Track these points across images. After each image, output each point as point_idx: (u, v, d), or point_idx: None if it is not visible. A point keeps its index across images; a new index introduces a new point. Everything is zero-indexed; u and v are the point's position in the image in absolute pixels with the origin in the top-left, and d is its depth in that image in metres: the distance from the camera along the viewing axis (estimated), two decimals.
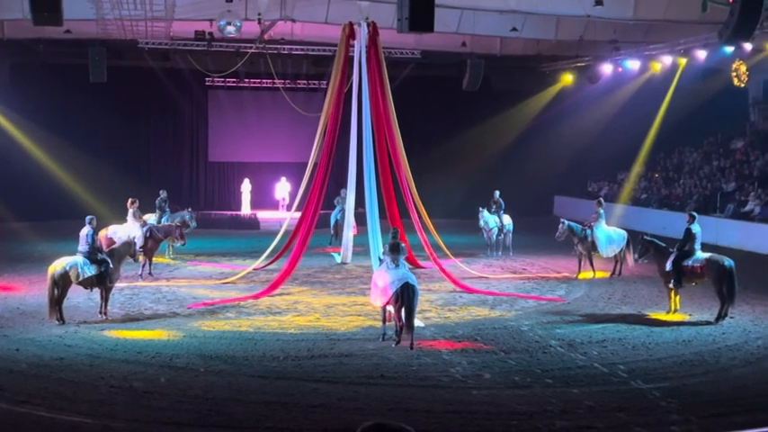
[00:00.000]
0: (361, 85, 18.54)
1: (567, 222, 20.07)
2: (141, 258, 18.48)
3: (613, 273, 19.92)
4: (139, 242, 18.68)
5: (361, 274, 20.00)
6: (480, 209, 23.15)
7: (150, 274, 19.16)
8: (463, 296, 17.42)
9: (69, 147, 27.69)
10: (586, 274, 19.82)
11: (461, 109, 31.73)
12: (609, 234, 19.86)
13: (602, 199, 21.75)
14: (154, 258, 19.85)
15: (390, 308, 13.00)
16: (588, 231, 19.78)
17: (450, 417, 9.73)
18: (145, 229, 19.21)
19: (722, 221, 25.91)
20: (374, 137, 18.58)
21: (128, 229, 19.18)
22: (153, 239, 19.31)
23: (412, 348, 12.59)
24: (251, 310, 15.76)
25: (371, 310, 15.65)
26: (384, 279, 12.98)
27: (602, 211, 20.14)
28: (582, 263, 19.94)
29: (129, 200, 19.95)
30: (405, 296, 12.54)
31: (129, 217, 19.57)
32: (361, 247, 24.17)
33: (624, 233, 19.87)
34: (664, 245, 15.89)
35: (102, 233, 18.72)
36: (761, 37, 23.11)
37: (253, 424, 9.44)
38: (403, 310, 12.59)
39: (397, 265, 13.09)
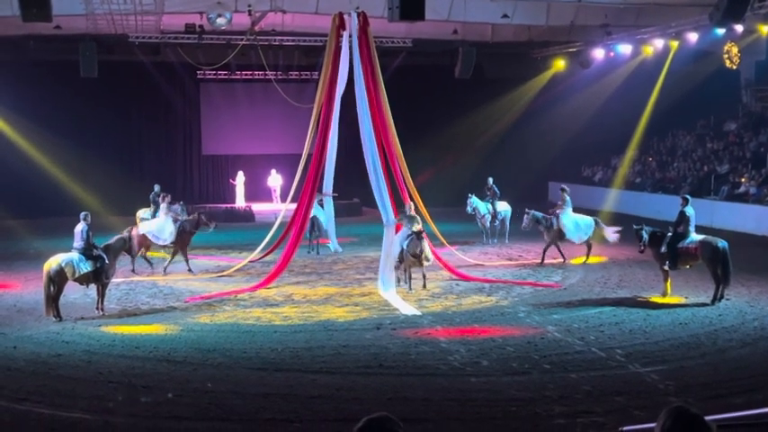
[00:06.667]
0: (353, 76, 18.47)
1: (531, 212, 20.12)
2: (165, 254, 18.95)
3: (587, 259, 19.85)
4: (171, 238, 18.96)
5: (357, 264, 20.02)
6: (469, 195, 23.14)
7: (190, 270, 19.11)
8: (460, 284, 17.44)
9: (62, 143, 27.59)
10: (579, 259, 19.92)
11: (454, 97, 31.68)
12: (576, 221, 19.80)
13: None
14: (151, 253, 19.88)
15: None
16: (554, 219, 19.76)
17: (448, 404, 9.76)
18: (178, 224, 19.25)
19: (717, 204, 25.97)
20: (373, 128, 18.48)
21: (160, 225, 19.22)
22: (187, 233, 19.36)
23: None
24: (248, 303, 15.76)
25: (368, 300, 15.80)
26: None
27: (567, 198, 20.09)
28: (561, 249, 19.94)
29: (161, 195, 20.13)
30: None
31: (161, 212, 19.58)
32: (357, 238, 24.27)
33: (591, 220, 19.83)
34: (658, 230, 15.90)
35: (135, 231, 18.82)
36: (752, 18, 23.13)
37: (252, 416, 9.46)
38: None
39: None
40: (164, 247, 19.50)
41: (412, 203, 17.80)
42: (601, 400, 9.78)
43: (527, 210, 20.43)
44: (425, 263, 16.72)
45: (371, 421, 3.62)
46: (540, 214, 20.06)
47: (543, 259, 19.81)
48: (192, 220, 19.83)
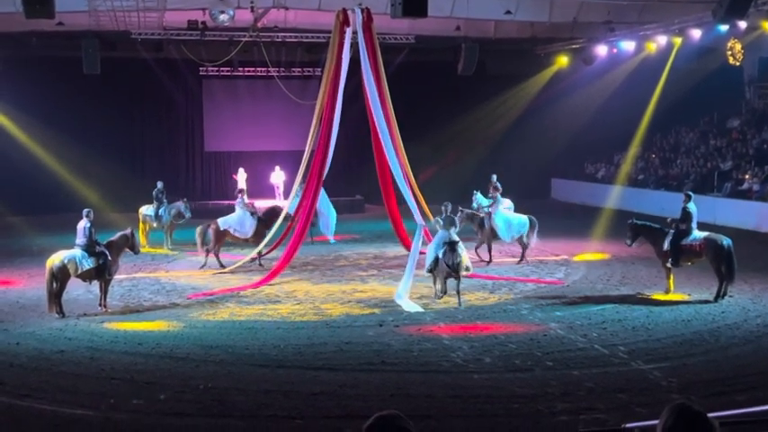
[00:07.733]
0: (356, 72, 18.44)
1: (464, 210, 19.82)
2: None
3: (521, 259, 19.55)
4: (251, 231, 19.28)
5: (359, 261, 20.00)
6: (474, 191, 23.09)
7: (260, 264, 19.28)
8: (462, 281, 17.37)
9: (64, 140, 27.58)
10: (581, 256, 19.92)
11: (457, 93, 31.61)
12: (508, 219, 19.52)
13: (498, 184, 20.94)
14: (154, 250, 19.87)
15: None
16: (486, 219, 19.47)
17: (451, 401, 9.76)
18: (255, 217, 19.48)
19: (720, 200, 25.91)
20: (372, 123, 18.43)
21: (240, 219, 19.40)
22: (263, 226, 19.55)
23: None
24: (250, 300, 15.76)
25: (370, 297, 15.78)
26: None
27: (499, 196, 19.86)
28: (491, 250, 19.61)
29: (236, 190, 20.49)
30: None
31: (238, 207, 19.75)
32: (359, 235, 24.27)
33: (526, 219, 19.48)
34: (657, 226, 15.86)
35: (213, 227, 18.97)
36: (755, 15, 23.09)
37: (254, 413, 9.46)
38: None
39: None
40: (245, 240, 19.65)
41: (449, 203, 16.36)
42: (603, 397, 9.77)
43: (460, 208, 20.14)
44: (463, 273, 15.15)
45: (381, 419, 3.58)
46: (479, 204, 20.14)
47: (490, 257, 19.52)
48: (268, 212, 20.13)
